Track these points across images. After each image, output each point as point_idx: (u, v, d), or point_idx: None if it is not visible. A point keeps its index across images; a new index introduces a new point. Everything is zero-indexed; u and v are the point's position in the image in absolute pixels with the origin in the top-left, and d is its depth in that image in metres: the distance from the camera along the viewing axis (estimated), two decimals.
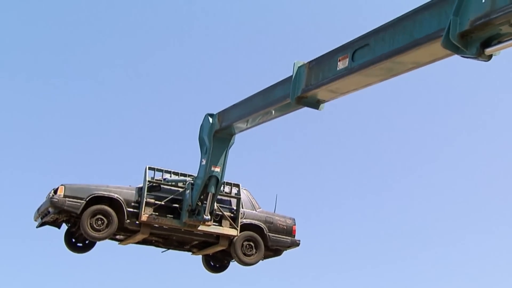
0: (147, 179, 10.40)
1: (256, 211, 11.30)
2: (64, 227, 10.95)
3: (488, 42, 4.97)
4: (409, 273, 21.92)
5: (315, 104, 7.51)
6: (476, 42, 4.99)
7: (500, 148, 25.24)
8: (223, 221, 10.69)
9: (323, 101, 7.49)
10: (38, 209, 10.66)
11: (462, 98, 26.28)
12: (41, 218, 10.61)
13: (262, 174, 23.66)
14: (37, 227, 10.99)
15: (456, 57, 5.29)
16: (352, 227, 23.77)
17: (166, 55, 27.31)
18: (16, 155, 24.22)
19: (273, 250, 11.53)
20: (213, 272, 12.15)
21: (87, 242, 10.91)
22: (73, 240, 11.04)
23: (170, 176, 10.72)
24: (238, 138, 10.01)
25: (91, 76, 26.54)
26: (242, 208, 10.99)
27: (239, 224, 10.78)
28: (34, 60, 26.04)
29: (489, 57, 5.08)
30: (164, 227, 10.43)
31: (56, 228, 10.94)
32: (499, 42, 4.93)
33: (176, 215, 10.39)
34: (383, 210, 24.33)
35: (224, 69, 27.60)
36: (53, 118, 25.52)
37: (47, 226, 10.89)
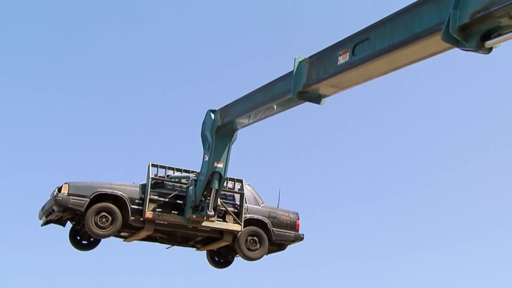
0: (151, 176, 10.45)
1: (259, 206, 11.33)
2: (69, 225, 11.02)
3: (488, 34, 4.97)
4: (411, 267, 21.97)
5: (317, 98, 7.53)
6: (476, 35, 4.99)
7: (502, 142, 25.20)
8: (227, 216, 10.72)
9: (325, 96, 7.51)
10: (43, 208, 10.72)
11: (462, 91, 26.26)
12: (46, 217, 10.66)
13: (265, 169, 23.70)
14: (42, 225, 11.05)
15: (457, 50, 5.30)
16: (356, 221, 23.83)
17: (168, 52, 27.33)
18: (19, 153, 24.33)
19: (277, 245, 11.57)
20: (217, 268, 12.20)
21: (92, 239, 10.98)
22: (78, 237, 11.10)
23: (173, 173, 10.75)
24: (240, 133, 10.04)
25: (93, 73, 26.58)
26: (246, 203, 11.02)
27: (243, 219, 10.81)
28: (37, 59, 26.11)
29: (489, 49, 5.08)
30: (168, 223, 10.47)
31: (61, 226, 11.01)
32: (499, 35, 4.93)
33: (180, 212, 10.42)
34: (386, 204, 24.37)
35: (225, 64, 27.61)
36: (56, 117, 25.61)
37: (52, 224, 10.96)
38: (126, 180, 10.68)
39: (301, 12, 27.97)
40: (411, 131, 26.45)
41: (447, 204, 23.83)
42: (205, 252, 12.03)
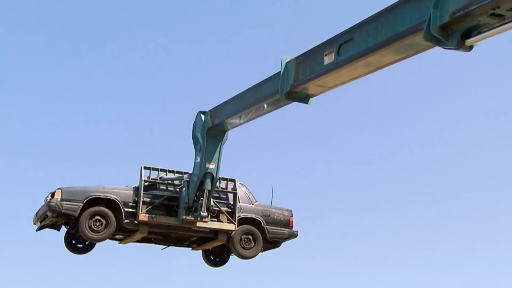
0: (143, 178, 10.50)
1: (253, 204, 11.39)
2: (64, 229, 11.05)
3: (468, 33, 5.06)
4: (405, 264, 22.14)
5: (305, 98, 7.62)
6: (456, 33, 5.08)
7: (485, 133, 25.46)
8: (220, 216, 10.79)
9: (312, 96, 7.59)
10: (37, 213, 10.75)
11: (446, 88, 26.48)
12: (40, 222, 10.70)
13: (257, 168, 23.78)
14: (36, 230, 11.08)
15: (439, 48, 5.38)
16: (349, 216, 23.96)
17: (157, 54, 27.33)
18: (13, 158, 24.32)
19: (272, 242, 11.64)
20: (213, 266, 12.27)
21: (87, 243, 11.01)
22: (73, 241, 11.13)
23: (166, 175, 10.80)
24: (231, 132, 10.10)
25: (85, 77, 26.55)
26: (239, 202, 11.08)
27: (237, 219, 10.88)
28: (28, 62, 26.05)
29: (470, 47, 5.17)
30: (162, 225, 10.53)
31: (56, 231, 11.05)
32: (479, 33, 5.02)
33: (174, 213, 10.49)
34: (379, 202, 24.51)
35: (214, 66, 27.63)
36: (49, 122, 25.59)
37: (46, 229, 10.99)
38: (119, 183, 10.74)
39: (287, 12, 28.02)
40: (401, 128, 26.68)
41: (445, 204, 24.00)
42: (200, 251, 12.10)
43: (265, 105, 8.45)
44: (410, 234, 23.13)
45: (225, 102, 9.28)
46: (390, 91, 26.70)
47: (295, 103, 7.86)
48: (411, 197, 24.74)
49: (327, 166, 25.84)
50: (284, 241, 11.79)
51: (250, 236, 11.08)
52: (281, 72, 7.53)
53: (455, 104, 26.37)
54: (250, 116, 9.03)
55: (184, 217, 10.26)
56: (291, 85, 7.39)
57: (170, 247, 11.99)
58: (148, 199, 10.39)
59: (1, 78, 25.15)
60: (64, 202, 9.98)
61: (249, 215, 11.17)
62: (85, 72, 26.46)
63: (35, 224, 11.05)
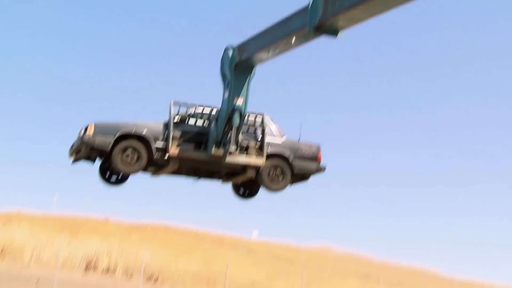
0: (173, 113, 10.62)
1: (281, 139, 11.46)
2: (99, 161, 11.43)
3: None
4: (432, 201, 22.12)
5: (333, 32, 7.41)
6: None
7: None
8: (249, 151, 10.92)
9: (341, 29, 7.36)
10: (72, 147, 11.14)
11: (477, 25, 25.11)
12: (75, 154, 11.11)
13: (285, 102, 23.67)
14: (72, 162, 11.54)
15: None
16: (377, 152, 23.86)
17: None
18: (51, 94, 24.91)
19: (300, 177, 11.79)
20: (243, 198, 12.59)
21: (120, 175, 11.41)
22: (108, 173, 11.54)
23: (195, 110, 10.90)
24: (259, 67, 9.98)
25: (115, 20, 26.35)
26: (267, 137, 11.16)
27: (265, 153, 11.00)
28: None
29: None
30: (192, 159, 10.75)
31: (91, 163, 11.46)
32: None
33: (203, 148, 10.67)
34: (404, 134, 24.22)
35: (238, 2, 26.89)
36: (82, 60, 25.82)
37: (82, 161, 11.41)
38: (150, 117, 10.91)
39: None
40: (428, 63, 25.81)
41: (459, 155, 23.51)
42: (230, 183, 12.38)
43: (293, 40, 8.26)
44: (438, 171, 23.04)
45: (252, 37, 9.10)
46: (421, 25, 25.69)
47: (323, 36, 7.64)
48: (441, 136, 24.37)
49: (355, 101, 25.52)
50: (312, 175, 11.92)
51: (278, 171, 11.23)
52: (310, 5, 7.30)
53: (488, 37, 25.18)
54: (277, 52, 8.87)
55: (213, 151, 10.43)
56: (320, 18, 7.17)
57: (201, 180, 12.29)
58: (178, 134, 10.56)
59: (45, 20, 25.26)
60: (97, 137, 10.27)
61: (277, 150, 11.26)
62: (116, 12, 26.24)
63: (70, 156, 11.46)
